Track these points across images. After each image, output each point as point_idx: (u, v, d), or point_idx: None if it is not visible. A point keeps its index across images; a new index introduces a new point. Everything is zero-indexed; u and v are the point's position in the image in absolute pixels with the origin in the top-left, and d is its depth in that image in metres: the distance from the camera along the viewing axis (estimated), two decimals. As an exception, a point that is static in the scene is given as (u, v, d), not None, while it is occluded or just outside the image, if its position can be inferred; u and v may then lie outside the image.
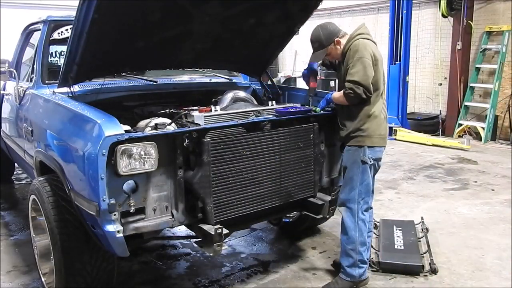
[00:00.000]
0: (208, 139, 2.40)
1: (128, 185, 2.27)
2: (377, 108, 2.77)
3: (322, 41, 2.86)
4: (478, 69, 7.87)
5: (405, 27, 7.56)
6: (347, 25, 10.15)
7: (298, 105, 3.31)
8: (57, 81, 2.90)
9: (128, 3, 2.48)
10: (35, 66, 3.51)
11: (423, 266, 3.12)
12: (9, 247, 3.68)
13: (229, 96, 3.33)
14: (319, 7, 3.28)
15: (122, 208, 2.26)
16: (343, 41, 2.83)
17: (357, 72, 2.65)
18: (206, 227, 2.47)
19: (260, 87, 3.90)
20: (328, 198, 3.00)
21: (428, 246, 3.39)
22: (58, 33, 3.52)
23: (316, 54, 2.94)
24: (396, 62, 7.71)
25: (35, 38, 3.85)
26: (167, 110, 3.04)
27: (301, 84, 10.35)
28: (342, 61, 2.83)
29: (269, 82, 3.90)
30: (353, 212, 2.82)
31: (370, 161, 2.78)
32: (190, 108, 3.02)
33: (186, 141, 2.37)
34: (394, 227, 3.64)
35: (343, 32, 2.89)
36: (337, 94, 2.84)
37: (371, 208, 3.01)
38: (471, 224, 4.02)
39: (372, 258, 3.23)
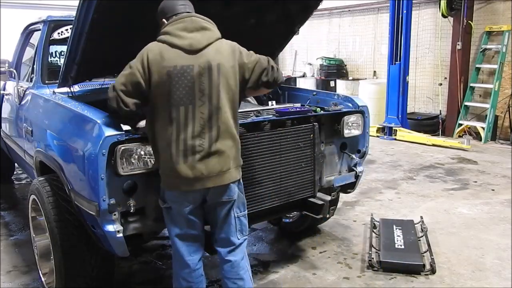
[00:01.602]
0: (208, 139, 2.40)
1: (128, 185, 2.27)
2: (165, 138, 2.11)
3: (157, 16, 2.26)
4: (478, 69, 7.86)
5: (405, 27, 7.55)
6: (347, 25, 10.19)
7: (298, 105, 3.31)
8: (57, 81, 2.90)
9: (128, 3, 2.48)
10: (35, 66, 3.52)
11: (424, 265, 3.12)
12: (9, 247, 3.67)
13: (229, 96, 3.33)
14: (319, 7, 3.28)
15: (122, 208, 2.27)
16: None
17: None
18: (206, 227, 2.47)
19: (260, 87, 3.89)
20: (328, 198, 2.99)
21: (428, 245, 3.39)
22: (58, 33, 3.52)
23: None
24: (396, 62, 7.70)
25: (35, 38, 3.86)
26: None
27: (301, 84, 10.37)
28: None
29: (269, 82, 3.89)
30: None
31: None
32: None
33: (186, 141, 2.36)
34: (394, 227, 3.64)
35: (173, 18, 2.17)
36: None
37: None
38: (471, 224, 4.01)
39: (373, 257, 3.23)
